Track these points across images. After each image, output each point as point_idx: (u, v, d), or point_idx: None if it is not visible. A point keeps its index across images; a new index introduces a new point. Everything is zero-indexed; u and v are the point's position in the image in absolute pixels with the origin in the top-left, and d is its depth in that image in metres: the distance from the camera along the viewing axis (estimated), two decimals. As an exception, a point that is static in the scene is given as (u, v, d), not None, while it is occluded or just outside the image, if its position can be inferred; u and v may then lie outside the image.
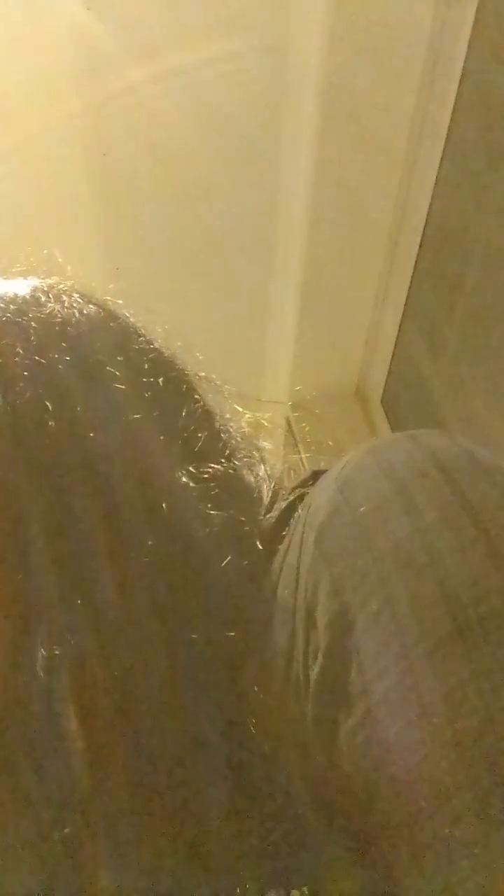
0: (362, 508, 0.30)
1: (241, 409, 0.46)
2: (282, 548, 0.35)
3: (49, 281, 0.43)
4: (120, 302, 0.45)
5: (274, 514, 0.37)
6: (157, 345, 0.43)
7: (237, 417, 0.46)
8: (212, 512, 0.36)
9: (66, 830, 0.30)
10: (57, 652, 0.31)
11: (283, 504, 0.37)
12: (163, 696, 0.31)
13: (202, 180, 1.28)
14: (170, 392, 0.41)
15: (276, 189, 1.29)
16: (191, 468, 0.37)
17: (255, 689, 0.31)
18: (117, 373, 0.38)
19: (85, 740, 0.30)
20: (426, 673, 0.26)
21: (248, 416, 0.46)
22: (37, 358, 0.36)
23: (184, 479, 0.36)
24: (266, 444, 0.45)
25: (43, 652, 0.31)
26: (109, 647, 0.31)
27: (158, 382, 0.40)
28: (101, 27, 1.10)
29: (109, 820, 0.30)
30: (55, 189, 1.26)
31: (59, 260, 0.47)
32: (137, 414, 0.37)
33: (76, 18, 1.08)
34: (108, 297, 0.45)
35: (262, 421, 0.47)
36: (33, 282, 0.42)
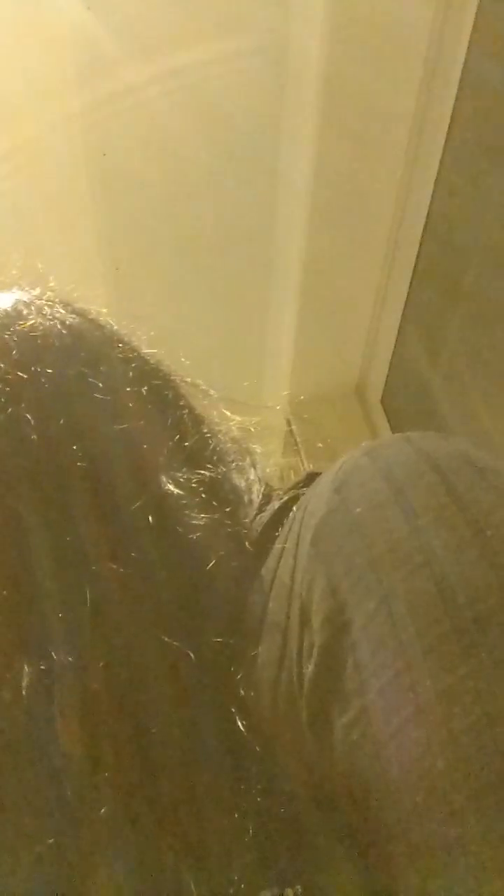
0: (359, 509, 0.30)
1: (229, 414, 0.46)
2: (276, 548, 0.35)
3: (32, 293, 0.43)
4: (104, 311, 0.45)
5: (267, 514, 0.37)
6: (141, 353, 0.44)
7: (226, 421, 0.46)
8: (200, 517, 0.36)
9: (51, 841, 0.30)
10: (54, 657, 0.31)
11: (277, 504, 0.37)
12: (159, 696, 0.32)
13: (202, 180, 1.28)
14: (154, 400, 0.41)
15: (276, 189, 1.29)
16: (177, 475, 0.37)
17: (246, 689, 0.31)
18: (100, 384, 0.38)
19: (83, 742, 0.30)
20: (422, 671, 0.26)
21: (238, 419, 0.46)
22: (19, 373, 0.37)
23: (170, 487, 0.36)
24: (257, 447, 0.45)
25: (27, 668, 0.31)
26: (106, 650, 0.32)
27: (142, 392, 0.40)
28: (101, 27, 1.10)
29: (106, 818, 0.30)
30: (55, 189, 1.26)
31: (41, 269, 0.47)
32: (121, 424, 0.37)
33: (76, 18, 1.08)
34: (92, 307, 0.45)
35: (257, 423, 0.47)
36: (15, 295, 0.43)
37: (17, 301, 0.42)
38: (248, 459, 0.44)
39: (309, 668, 0.29)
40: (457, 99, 1.13)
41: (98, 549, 0.33)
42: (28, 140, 1.19)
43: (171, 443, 0.39)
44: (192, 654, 0.32)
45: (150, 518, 0.34)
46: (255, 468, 0.43)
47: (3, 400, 0.36)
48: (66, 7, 1.08)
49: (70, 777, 0.30)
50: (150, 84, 1.16)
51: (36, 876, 0.30)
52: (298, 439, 1.30)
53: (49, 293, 0.44)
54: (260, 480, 0.42)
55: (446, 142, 1.17)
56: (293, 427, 1.36)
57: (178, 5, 1.11)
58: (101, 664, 0.31)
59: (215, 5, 1.11)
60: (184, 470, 0.38)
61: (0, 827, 0.31)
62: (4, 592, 0.32)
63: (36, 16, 1.09)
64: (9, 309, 0.41)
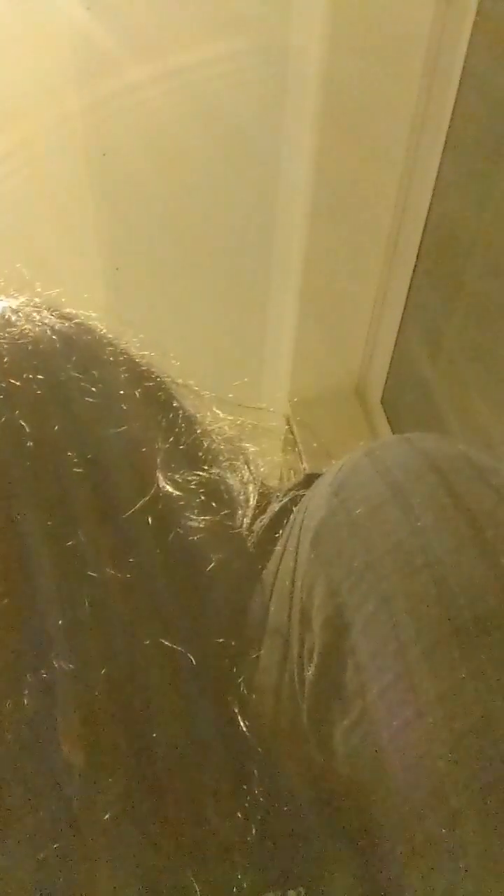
0: (358, 510, 0.30)
1: (221, 414, 0.46)
2: (276, 550, 0.35)
3: (20, 299, 0.43)
4: (93, 315, 0.45)
5: (267, 516, 0.37)
6: (131, 355, 0.44)
7: (218, 422, 0.46)
8: (200, 518, 0.36)
9: (56, 845, 0.30)
10: (56, 665, 0.31)
11: (277, 506, 0.37)
12: (161, 699, 0.32)
13: (202, 180, 1.28)
14: (147, 403, 0.41)
15: (276, 189, 1.29)
16: (175, 476, 0.37)
17: (249, 690, 0.31)
18: (93, 388, 0.38)
19: (85, 747, 0.30)
20: (423, 673, 0.26)
21: (230, 419, 0.46)
22: (11, 381, 0.37)
23: (168, 488, 0.36)
24: (249, 446, 0.45)
25: (29, 678, 0.31)
26: (108, 654, 0.32)
27: (135, 394, 0.40)
28: (101, 27, 1.10)
29: (108, 821, 0.30)
30: (55, 189, 1.26)
31: (27, 276, 0.47)
32: (116, 427, 0.37)
33: (76, 18, 1.09)
34: (80, 311, 0.45)
35: (254, 424, 0.47)
36: (3, 302, 0.43)
37: (5, 308, 0.42)
38: (241, 458, 0.44)
39: (310, 671, 0.29)
40: (457, 99, 1.13)
41: (98, 553, 0.33)
42: (28, 140, 1.19)
43: (166, 444, 0.39)
44: (193, 657, 0.32)
45: (149, 520, 0.34)
46: (248, 466, 0.43)
47: None
48: (66, 7, 1.08)
49: (73, 783, 0.30)
50: (151, 84, 1.16)
51: (39, 881, 0.30)
52: (298, 439, 1.30)
53: (36, 299, 0.44)
54: (255, 479, 0.42)
55: (446, 142, 1.17)
56: (293, 427, 1.36)
57: (178, 5, 1.11)
58: (102, 670, 0.31)
59: (215, 5, 1.11)
60: (181, 471, 0.38)
61: (4, 833, 0.31)
62: (5, 601, 0.32)
63: (36, 16, 1.09)
64: None
